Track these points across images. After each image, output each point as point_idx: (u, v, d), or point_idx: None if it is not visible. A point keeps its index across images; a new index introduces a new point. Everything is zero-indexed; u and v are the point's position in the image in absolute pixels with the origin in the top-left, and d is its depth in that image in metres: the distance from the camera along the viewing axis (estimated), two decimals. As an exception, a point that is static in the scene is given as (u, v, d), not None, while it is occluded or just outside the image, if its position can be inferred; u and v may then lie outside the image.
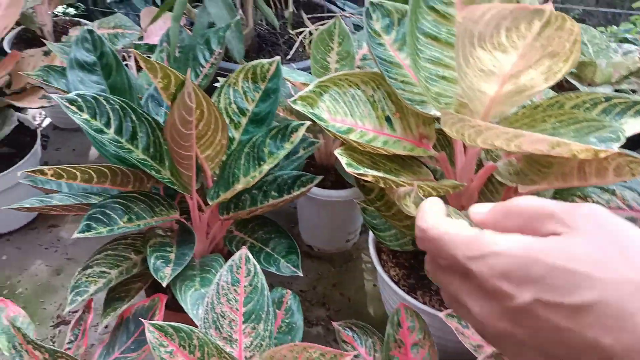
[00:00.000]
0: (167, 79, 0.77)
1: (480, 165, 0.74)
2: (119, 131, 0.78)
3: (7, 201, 1.24)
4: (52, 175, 0.74)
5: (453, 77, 0.69)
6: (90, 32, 0.86)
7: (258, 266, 0.70)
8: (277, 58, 0.89)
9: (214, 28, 1.06)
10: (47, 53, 1.23)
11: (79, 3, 1.87)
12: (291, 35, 1.38)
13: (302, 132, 0.80)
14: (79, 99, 0.76)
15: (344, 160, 0.69)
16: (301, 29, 1.39)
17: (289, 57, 1.33)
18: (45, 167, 0.73)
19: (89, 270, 0.83)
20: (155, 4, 1.61)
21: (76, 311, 0.84)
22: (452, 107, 0.69)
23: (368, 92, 0.81)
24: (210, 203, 0.87)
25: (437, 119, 0.73)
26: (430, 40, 0.70)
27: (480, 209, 0.33)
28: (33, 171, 0.73)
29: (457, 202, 0.77)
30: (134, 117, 0.80)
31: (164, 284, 0.74)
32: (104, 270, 0.84)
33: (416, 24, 0.70)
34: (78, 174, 0.76)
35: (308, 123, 0.81)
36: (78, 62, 0.86)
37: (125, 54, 1.35)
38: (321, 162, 1.15)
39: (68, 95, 0.75)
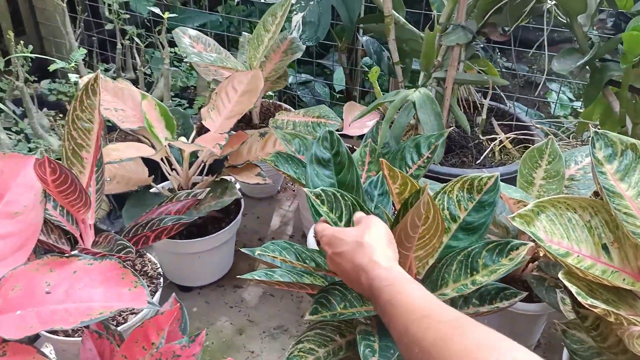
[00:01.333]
0: (404, 186, 0.85)
1: None
2: (347, 224, 0.87)
3: (212, 258, 1.39)
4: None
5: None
6: (330, 133, 0.98)
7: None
8: (497, 173, 0.94)
9: (425, 135, 1.15)
10: (262, 135, 1.39)
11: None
12: (481, 140, 1.44)
13: (523, 251, 0.84)
14: (322, 194, 0.86)
15: (573, 289, 0.71)
16: (492, 136, 1.44)
17: (478, 161, 1.38)
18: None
19: (300, 345, 0.91)
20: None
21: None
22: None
23: (585, 217, 0.83)
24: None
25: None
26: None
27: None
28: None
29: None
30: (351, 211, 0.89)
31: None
32: (313, 348, 0.91)
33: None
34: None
35: (530, 244, 0.84)
36: (317, 157, 0.97)
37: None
38: (511, 273, 1.16)
39: (315, 190, 0.85)
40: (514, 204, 1.04)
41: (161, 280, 1.13)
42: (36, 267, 0.85)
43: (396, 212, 0.86)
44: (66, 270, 0.85)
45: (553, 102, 2.14)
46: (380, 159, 0.87)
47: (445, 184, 0.98)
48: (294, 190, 1.84)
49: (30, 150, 1.57)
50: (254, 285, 1.47)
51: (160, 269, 1.16)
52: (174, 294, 1.02)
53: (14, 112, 1.78)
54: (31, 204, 0.89)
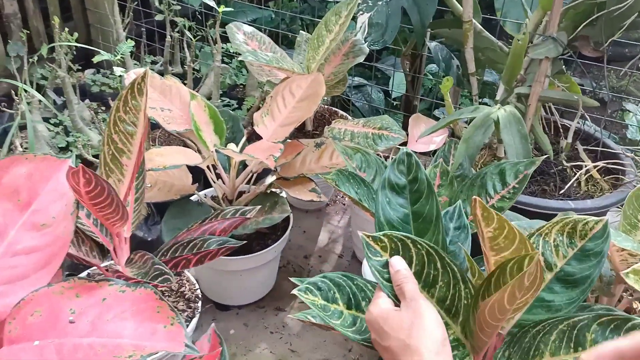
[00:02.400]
0: (500, 230, 0.70)
1: None
2: (417, 275, 0.72)
3: (254, 277, 1.26)
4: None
5: None
6: (409, 155, 0.83)
7: None
8: (606, 218, 0.79)
9: (512, 161, 0.99)
10: (318, 145, 1.26)
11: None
12: (565, 167, 1.27)
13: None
14: (385, 240, 0.71)
15: None
16: (577, 163, 1.27)
17: (562, 191, 1.22)
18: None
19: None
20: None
21: None
22: None
23: None
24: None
25: None
26: None
27: None
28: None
29: None
30: (438, 265, 0.74)
31: None
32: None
33: None
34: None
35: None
36: (390, 182, 0.83)
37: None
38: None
39: (375, 234, 0.71)
40: (616, 252, 0.88)
41: (199, 304, 1.01)
42: (61, 291, 0.74)
43: (490, 273, 0.71)
44: (94, 297, 0.73)
45: (631, 125, 1.95)
46: (474, 197, 0.71)
47: (541, 225, 0.83)
48: (344, 204, 1.70)
49: (67, 144, 1.47)
50: (297, 308, 1.34)
51: (198, 290, 1.03)
52: (213, 325, 0.89)
53: (54, 102, 1.69)
54: (61, 214, 0.77)
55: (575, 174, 1.26)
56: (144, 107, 0.80)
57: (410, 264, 0.71)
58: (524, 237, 0.68)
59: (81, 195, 0.74)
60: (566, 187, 1.22)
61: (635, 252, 0.84)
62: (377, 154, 1.21)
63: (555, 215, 1.16)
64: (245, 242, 0.91)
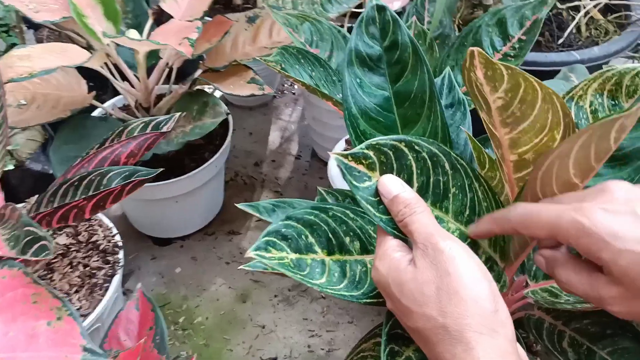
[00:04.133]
0: (514, 92, 0.44)
1: None
2: (423, 190, 0.48)
3: (196, 201, 1.01)
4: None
5: None
6: (381, 10, 0.56)
7: None
8: (661, 64, 0.55)
9: (513, 5, 0.72)
10: (251, 20, 0.96)
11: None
12: (559, 11, 1.02)
13: None
14: (371, 154, 0.45)
15: None
16: (573, 3, 1.02)
17: (560, 40, 0.97)
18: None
19: None
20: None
21: None
22: None
23: None
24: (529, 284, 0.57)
25: None
26: None
27: None
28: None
29: None
30: (446, 167, 0.49)
31: None
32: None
33: None
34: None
35: None
36: (359, 55, 0.56)
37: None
38: None
39: (355, 150, 0.45)
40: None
41: (120, 255, 0.75)
42: None
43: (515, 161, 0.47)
44: None
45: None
46: (470, 47, 0.45)
47: (571, 87, 0.59)
48: (294, 93, 1.42)
49: None
50: (254, 229, 1.10)
51: (117, 237, 0.78)
52: (139, 286, 0.65)
53: None
54: None
55: (574, 17, 1.01)
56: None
57: (410, 179, 0.47)
58: (549, 91, 0.43)
59: None
60: (565, 34, 0.97)
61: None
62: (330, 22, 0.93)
63: (557, 72, 0.93)
64: (162, 169, 0.64)
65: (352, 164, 0.44)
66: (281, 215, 0.79)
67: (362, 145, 0.45)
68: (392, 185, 0.43)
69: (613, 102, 0.58)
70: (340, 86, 0.79)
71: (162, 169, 0.63)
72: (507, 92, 0.44)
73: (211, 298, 0.98)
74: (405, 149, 0.47)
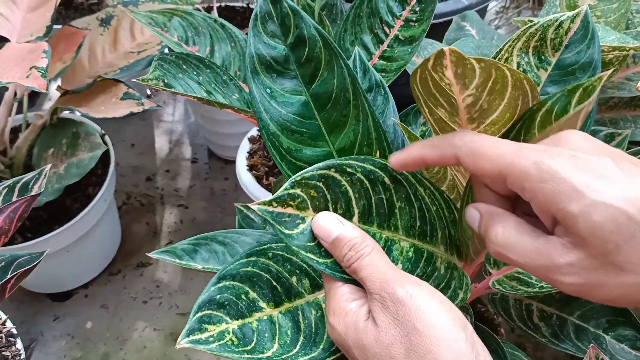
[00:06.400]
0: (483, 84, 0.37)
1: None
2: (366, 214, 0.40)
3: (90, 244, 0.86)
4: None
5: None
6: (276, 1, 0.46)
7: None
8: (584, 7, 0.51)
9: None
10: (105, 22, 0.81)
11: None
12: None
13: None
14: (299, 192, 0.37)
15: None
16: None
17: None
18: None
19: None
20: None
21: None
22: None
23: None
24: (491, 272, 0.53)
25: None
26: None
27: None
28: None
29: None
30: (387, 182, 0.41)
31: None
32: None
33: None
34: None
35: None
36: (262, 59, 0.46)
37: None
38: None
39: (278, 193, 0.36)
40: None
41: (19, 346, 0.61)
42: None
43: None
44: None
45: None
46: (440, 48, 0.37)
47: (498, 49, 0.54)
48: (169, 90, 1.27)
49: None
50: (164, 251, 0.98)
51: (8, 323, 0.63)
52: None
53: None
54: None
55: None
56: None
57: (349, 206, 0.39)
58: (520, 77, 0.38)
59: None
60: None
61: (623, 47, 0.58)
62: (198, 10, 0.80)
63: (449, 22, 0.89)
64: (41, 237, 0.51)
65: (279, 209, 0.36)
66: (205, 255, 0.69)
67: (286, 184, 0.37)
68: (329, 224, 0.36)
69: (540, 58, 0.53)
70: (233, 85, 0.69)
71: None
72: (477, 87, 0.37)
73: (137, 347, 0.86)
74: (337, 175, 0.39)
